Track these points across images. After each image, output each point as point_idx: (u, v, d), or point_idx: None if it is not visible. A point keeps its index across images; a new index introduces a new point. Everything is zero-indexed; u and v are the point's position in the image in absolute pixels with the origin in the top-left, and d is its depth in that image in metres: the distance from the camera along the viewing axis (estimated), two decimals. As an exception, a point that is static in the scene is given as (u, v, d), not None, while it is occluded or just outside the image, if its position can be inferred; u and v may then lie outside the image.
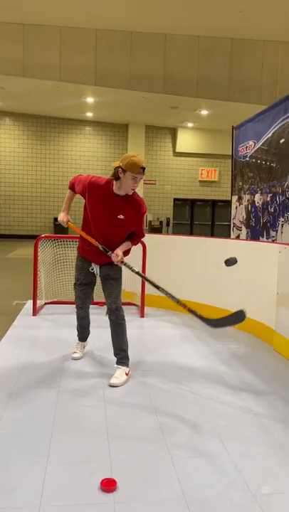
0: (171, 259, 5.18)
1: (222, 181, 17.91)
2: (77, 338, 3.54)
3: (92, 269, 3.13)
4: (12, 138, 16.54)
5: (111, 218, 2.93)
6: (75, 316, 4.83)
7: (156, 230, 17.09)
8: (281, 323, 3.75)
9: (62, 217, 3.24)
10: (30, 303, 5.24)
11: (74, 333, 4.18)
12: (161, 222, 17.36)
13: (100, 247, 3.00)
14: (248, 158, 5.44)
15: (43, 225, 16.97)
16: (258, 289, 4.13)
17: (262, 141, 4.99)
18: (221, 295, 4.66)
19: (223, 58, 12.47)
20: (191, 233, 18.36)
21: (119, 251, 2.94)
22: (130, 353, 3.16)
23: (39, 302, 5.02)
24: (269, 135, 4.78)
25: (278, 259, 3.78)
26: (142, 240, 4.96)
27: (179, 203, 18.03)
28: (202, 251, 4.90)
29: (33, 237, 18.03)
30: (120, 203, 2.90)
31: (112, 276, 3.07)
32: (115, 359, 3.11)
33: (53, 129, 16.77)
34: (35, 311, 4.85)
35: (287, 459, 2.13)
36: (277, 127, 4.57)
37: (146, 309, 4.99)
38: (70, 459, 2.06)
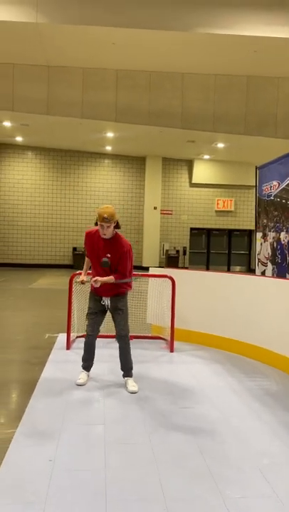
0: (200, 295, 5.33)
1: (238, 211, 18.16)
2: (81, 367, 3.98)
3: (103, 302, 3.77)
4: (34, 171, 17.15)
5: (101, 257, 3.66)
6: (107, 351, 5.02)
7: (173, 258, 17.28)
8: (312, 361, 3.84)
9: (80, 279, 4.02)
10: (61, 336, 5.43)
11: (108, 367, 4.36)
12: (178, 251, 17.57)
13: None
14: (272, 197, 5.65)
15: (62, 255, 17.33)
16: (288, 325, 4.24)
17: (286, 182, 5.21)
18: (252, 331, 4.77)
19: (239, 94, 12.94)
20: (207, 262, 18.52)
21: (98, 278, 3.61)
22: (164, 389, 3.77)
23: (71, 336, 5.17)
24: (294, 177, 5.01)
25: (308, 298, 3.92)
26: (171, 275, 5.17)
27: (195, 232, 18.28)
28: (233, 287, 5.05)
29: (53, 267, 18.25)
30: (107, 244, 3.65)
31: (120, 308, 3.76)
32: (125, 380, 3.83)
33: (73, 162, 17.35)
34: (68, 345, 5.01)
35: None
36: (301, 170, 4.80)
37: (175, 343, 5.11)
38: (128, 498, 2.18)
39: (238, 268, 18.30)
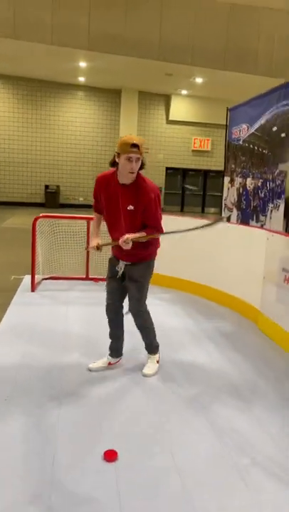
0: (168, 240, 5.37)
1: (214, 151, 17.87)
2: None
3: (118, 268, 2.93)
4: (1, 101, 16.13)
5: (121, 210, 2.76)
6: (73, 293, 5.10)
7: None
8: (265, 305, 4.04)
9: (92, 243, 2.90)
10: (27, 278, 5.46)
11: (73, 310, 4.46)
12: (152, 192, 17.37)
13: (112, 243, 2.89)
14: (241, 142, 5.55)
15: (34, 192, 16.91)
16: (247, 271, 4.39)
17: (255, 126, 5.09)
18: (215, 276, 4.91)
19: (220, 25, 12.19)
20: (182, 203, 18.48)
21: (127, 235, 2.68)
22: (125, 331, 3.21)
23: (37, 278, 5.22)
24: (262, 121, 4.87)
25: (266, 246, 4.02)
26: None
27: (171, 172, 18.02)
28: (198, 233, 5.09)
29: (25, 205, 17.75)
30: (128, 192, 2.71)
31: (134, 279, 2.88)
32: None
33: (44, 93, 16.37)
34: (33, 287, 5.06)
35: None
36: (271, 115, 4.67)
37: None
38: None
39: (212, 210, 18.39)
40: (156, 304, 4.82)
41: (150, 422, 2.49)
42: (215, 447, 2.27)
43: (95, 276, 5.67)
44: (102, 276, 5.66)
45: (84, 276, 5.64)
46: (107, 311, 3.08)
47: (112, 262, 2.99)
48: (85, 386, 2.86)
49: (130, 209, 2.72)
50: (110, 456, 2.11)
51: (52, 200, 16.42)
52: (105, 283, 3.08)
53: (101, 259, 5.97)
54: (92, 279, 5.63)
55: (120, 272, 2.92)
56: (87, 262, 5.65)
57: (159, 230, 2.81)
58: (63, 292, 5.09)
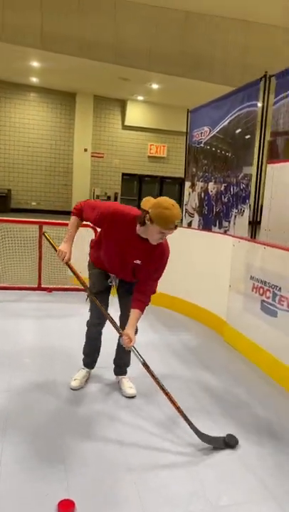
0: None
1: (170, 158, 17.85)
2: (82, 362, 2.96)
3: (111, 282, 2.69)
4: None
5: (126, 260, 2.50)
6: (23, 305, 4.67)
7: (103, 204, 16.78)
8: (232, 316, 3.83)
9: (64, 248, 2.58)
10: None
11: (24, 323, 4.04)
12: (108, 197, 17.05)
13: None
14: (202, 145, 5.37)
15: (-17, 197, 16.01)
16: (212, 279, 4.17)
17: (218, 128, 4.93)
18: (176, 284, 4.65)
19: (176, 32, 12.14)
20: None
21: (131, 332, 2.45)
22: (82, 346, 2.96)
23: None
24: (225, 123, 4.72)
25: (231, 252, 3.81)
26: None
27: (127, 178, 17.78)
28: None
29: None
30: (141, 247, 2.41)
31: (132, 292, 2.60)
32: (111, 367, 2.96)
33: (-6, 93, 15.60)
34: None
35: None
36: (233, 116, 4.51)
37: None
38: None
39: (168, 216, 18.32)
40: (116, 316, 4.50)
41: (112, 458, 2.14)
42: (189, 486, 1.97)
43: (48, 286, 5.25)
44: (56, 286, 5.26)
45: (36, 286, 5.19)
46: (94, 333, 2.79)
47: (99, 275, 2.68)
48: (35, 413, 2.47)
49: (136, 263, 2.48)
50: (66, 508, 1.75)
51: (2, 204, 15.60)
52: (91, 298, 2.65)
53: (57, 267, 5.57)
54: (44, 289, 5.20)
55: (116, 284, 2.71)
56: (40, 270, 5.21)
57: (148, 295, 2.55)
58: (12, 303, 4.64)
